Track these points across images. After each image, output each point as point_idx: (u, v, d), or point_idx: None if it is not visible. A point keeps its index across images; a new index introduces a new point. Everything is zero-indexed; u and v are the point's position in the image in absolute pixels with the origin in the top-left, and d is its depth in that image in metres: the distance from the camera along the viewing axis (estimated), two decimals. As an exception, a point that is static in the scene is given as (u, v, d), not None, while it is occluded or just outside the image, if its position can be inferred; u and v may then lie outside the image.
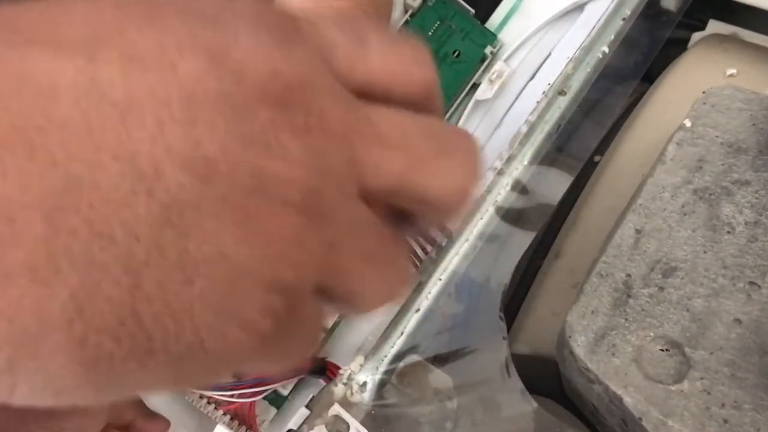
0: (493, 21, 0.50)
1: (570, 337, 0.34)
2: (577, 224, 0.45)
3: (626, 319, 0.34)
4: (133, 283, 0.13)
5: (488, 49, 0.48)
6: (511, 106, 0.48)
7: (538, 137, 0.41)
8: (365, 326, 0.42)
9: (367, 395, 0.34)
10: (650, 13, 0.46)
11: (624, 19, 0.44)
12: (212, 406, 0.39)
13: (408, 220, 0.19)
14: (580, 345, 0.33)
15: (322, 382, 0.39)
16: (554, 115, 0.42)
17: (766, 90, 0.40)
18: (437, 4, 0.48)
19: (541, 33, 0.50)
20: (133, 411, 0.37)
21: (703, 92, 0.39)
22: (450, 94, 0.47)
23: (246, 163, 0.14)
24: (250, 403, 0.39)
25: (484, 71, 0.48)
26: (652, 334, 0.33)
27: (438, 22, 0.48)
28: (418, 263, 0.40)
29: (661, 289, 0.34)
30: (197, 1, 0.16)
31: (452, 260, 0.38)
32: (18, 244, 0.13)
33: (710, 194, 0.36)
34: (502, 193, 0.40)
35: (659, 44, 0.46)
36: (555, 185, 0.41)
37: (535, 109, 0.42)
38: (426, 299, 0.37)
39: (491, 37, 0.48)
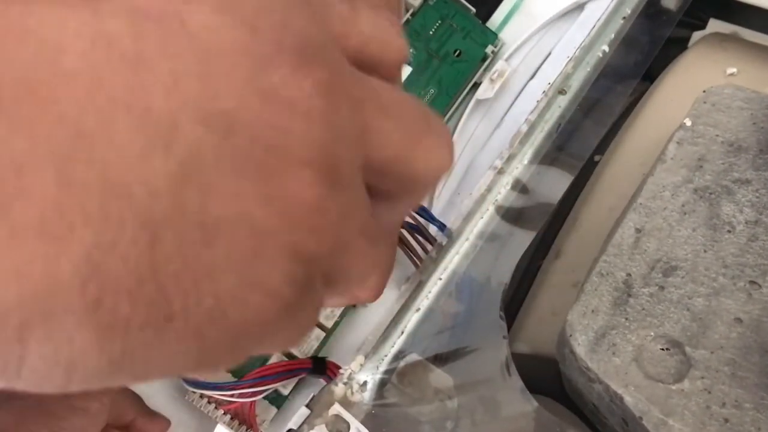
0: (495, 20, 0.50)
1: (570, 336, 0.34)
2: (577, 223, 0.45)
3: (627, 319, 0.34)
4: (152, 241, 0.12)
5: (489, 49, 0.48)
6: (511, 105, 0.48)
7: (539, 136, 0.41)
8: (365, 326, 0.42)
9: (367, 395, 0.34)
10: (650, 12, 0.46)
11: (624, 18, 0.44)
12: (212, 405, 0.39)
13: (384, 203, 0.19)
14: (580, 344, 0.33)
15: (322, 382, 0.39)
16: (554, 114, 0.42)
17: (766, 89, 0.40)
18: (438, 3, 0.48)
19: (541, 32, 0.50)
20: (133, 411, 0.37)
21: (704, 91, 0.39)
22: (451, 93, 0.47)
23: (266, 118, 0.14)
24: (251, 402, 0.39)
25: (485, 70, 0.48)
26: (652, 333, 0.33)
27: (439, 21, 0.48)
28: (418, 262, 0.40)
29: (662, 288, 0.34)
30: None
31: (452, 259, 0.38)
32: (27, 198, 0.12)
33: (711, 193, 0.36)
34: (502, 193, 0.39)
35: (659, 43, 0.46)
36: (555, 184, 0.41)
37: (535, 109, 0.42)
38: (426, 299, 0.37)
39: (492, 37, 0.49)
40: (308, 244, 0.14)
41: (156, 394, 0.40)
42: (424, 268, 0.38)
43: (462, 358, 0.36)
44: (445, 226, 0.40)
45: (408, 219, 0.41)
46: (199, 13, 0.13)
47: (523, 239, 0.39)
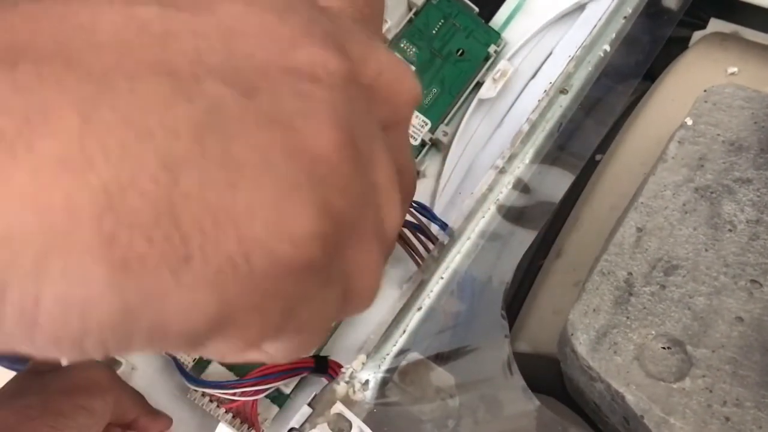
0: (497, 20, 0.50)
1: (572, 335, 0.34)
2: (578, 222, 0.45)
3: (628, 317, 0.34)
4: (171, 179, 0.13)
5: (492, 48, 0.48)
6: (513, 104, 0.48)
7: (540, 136, 0.41)
8: (367, 325, 0.42)
9: (369, 393, 0.35)
10: (651, 12, 0.46)
11: (625, 17, 0.44)
12: (214, 404, 0.39)
13: None
14: (581, 343, 0.34)
15: (324, 381, 0.39)
16: (556, 113, 0.42)
17: (767, 88, 0.40)
18: (441, 2, 0.48)
19: (543, 32, 0.50)
20: (135, 409, 0.37)
21: (705, 90, 0.40)
22: (453, 92, 0.47)
23: (290, 86, 0.14)
24: (253, 401, 0.39)
25: (487, 70, 0.48)
26: (653, 332, 0.33)
27: (442, 21, 0.48)
28: (420, 261, 0.40)
29: (663, 287, 0.34)
30: None
31: (454, 259, 0.38)
32: (50, 134, 0.12)
33: (711, 192, 0.36)
34: (503, 192, 0.40)
35: (660, 43, 0.46)
36: (556, 184, 0.41)
37: (536, 108, 0.42)
38: (428, 298, 0.37)
39: (495, 36, 0.49)
40: (336, 202, 0.14)
41: (158, 392, 0.40)
42: (425, 267, 0.38)
43: (463, 357, 0.36)
44: (446, 225, 0.40)
45: (410, 218, 0.41)
46: (230, 3, 0.14)
47: (524, 238, 0.39)
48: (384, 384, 0.35)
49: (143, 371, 0.40)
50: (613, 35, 0.44)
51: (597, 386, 0.34)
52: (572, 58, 0.43)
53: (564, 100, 0.42)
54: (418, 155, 0.47)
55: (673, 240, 0.35)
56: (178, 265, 0.13)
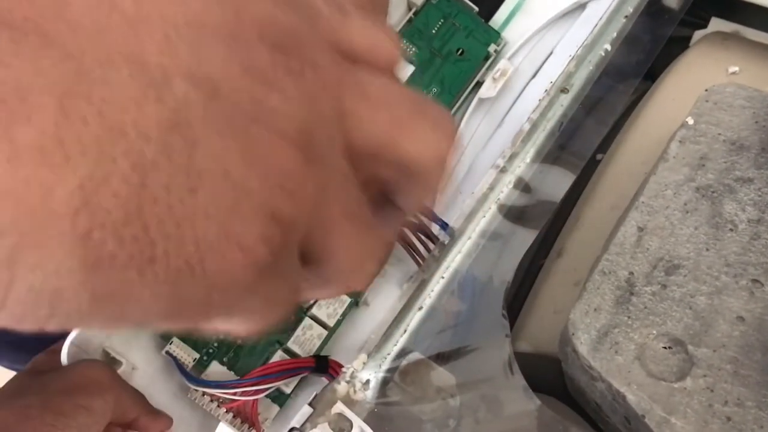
0: (497, 19, 0.50)
1: (573, 334, 0.34)
2: (579, 222, 0.45)
3: (629, 317, 0.34)
4: (141, 181, 0.13)
5: (492, 47, 0.48)
6: (513, 104, 0.48)
7: (541, 135, 0.41)
8: (368, 324, 0.42)
9: (370, 393, 0.35)
10: (652, 11, 0.46)
11: (626, 17, 0.44)
12: (215, 403, 0.39)
13: (391, 204, 0.19)
14: (583, 343, 0.34)
15: (324, 380, 0.39)
16: (557, 113, 0.42)
17: (768, 88, 0.40)
18: (441, 2, 0.48)
19: (543, 31, 0.50)
20: (136, 409, 0.37)
21: (706, 90, 0.39)
22: (453, 91, 0.47)
23: (246, 89, 0.15)
24: (253, 400, 0.39)
25: (487, 69, 0.48)
26: (654, 331, 0.33)
27: (442, 20, 0.48)
28: (420, 261, 0.40)
29: (664, 286, 0.34)
30: None
31: (455, 258, 0.38)
32: (28, 122, 0.12)
33: (713, 192, 0.36)
34: (504, 191, 0.40)
35: (661, 42, 0.46)
36: (557, 183, 0.41)
37: (537, 107, 0.42)
38: (429, 297, 0.37)
39: (495, 36, 0.49)
40: (284, 208, 0.15)
41: (159, 392, 0.40)
42: (426, 266, 0.38)
43: (464, 356, 0.36)
44: (447, 224, 0.40)
45: (410, 218, 0.41)
46: None
47: (525, 238, 0.39)
48: (385, 384, 0.35)
49: (143, 371, 0.40)
50: (614, 34, 0.44)
51: (598, 386, 0.34)
52: (573, 57, 0.43)
53: (565, 100, 0.42)
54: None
55: (674, 239, 0.35)
56: (144, 265, 0.13)
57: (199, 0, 0.15)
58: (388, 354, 0.36)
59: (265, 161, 0.15)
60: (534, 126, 0.41)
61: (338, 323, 0.42)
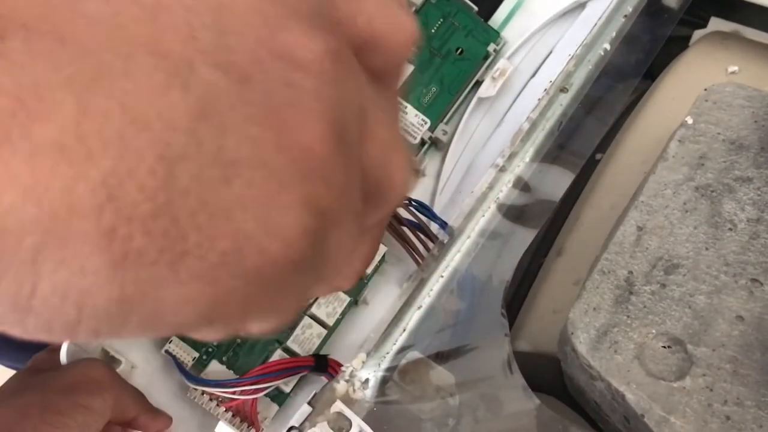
0: (497, 18, 0.50)
1: (572, 334, 0.34)
2: (578, 221, 0.45)
3: (628, 316, 0.34)
4: (169, 173, 0.12)
5: (491, 47, 0.48)
6: (513, 103, 0.48)
7: (540, 135, 0.41)
8: (367, 323, 0.42)
9: (369, 392, 0.35)
10: (652, 11, 0.46)
11: (626, 16, 0.44)
12: (214, 402, 0.39)
13: (376, 201, 0.19)
14: (582, 342, 0.34)
15: (324, 379, 0.39)
16: (556, 112, 0.42)
17: (767, 87, 0.40)
18: (440, 1, 0.48)
19: (543, 30, 0.50)
20: (135, 408, 0.37)
21: (705, 89, 0.40)
22: (453, 91, 0.47)
23: (278, 74, 0.14)
24: (252, 399, 0.39)
25: (487, 69, 0.48)
26: (654, 331, 0.33)
27: (441, 20, 0.48)
28: (420, 260, 0.40)
29: (663, 286, 0.34)
30: None
31: (454, 257, 0.38)
32: (47, 119, 0.12)
33: (712, 191, 0.36)
34: (504, 191, 0.40)
35: (661, 42, 0.46)
36: (557, 182, 0.41)
37: (536, 107, 0.42)
38: (428, 296, 0.37)
39: (494, 35, 0.49)
40: (321, 197, 0.14)
41: (158, 391, 0.40)
42: (425, 265, 0.38)
43: (463, 355, 0.36)
44: (446, 223, 0.40)
45: (410, 217, 0.41)
46: None
47: (524, 237, 0.39)
48: (384, 383, 0.35)
49: (143, 370, 0.40)
50: (614, 34, 0.44)
51: (597, 385, 0.34)
52: (572, 56, 0.43)
53: (564, 99, 0.42)
54: (417, 154, 0.47)
55: (673, 239, 0.35)
56: (175, 260, 0.13)
57: None
58: (388, 353, 0.36)
59: (300, 146, 0.14)
60: (533, 125, 0.41)
61: (337, 322, 0.42)
